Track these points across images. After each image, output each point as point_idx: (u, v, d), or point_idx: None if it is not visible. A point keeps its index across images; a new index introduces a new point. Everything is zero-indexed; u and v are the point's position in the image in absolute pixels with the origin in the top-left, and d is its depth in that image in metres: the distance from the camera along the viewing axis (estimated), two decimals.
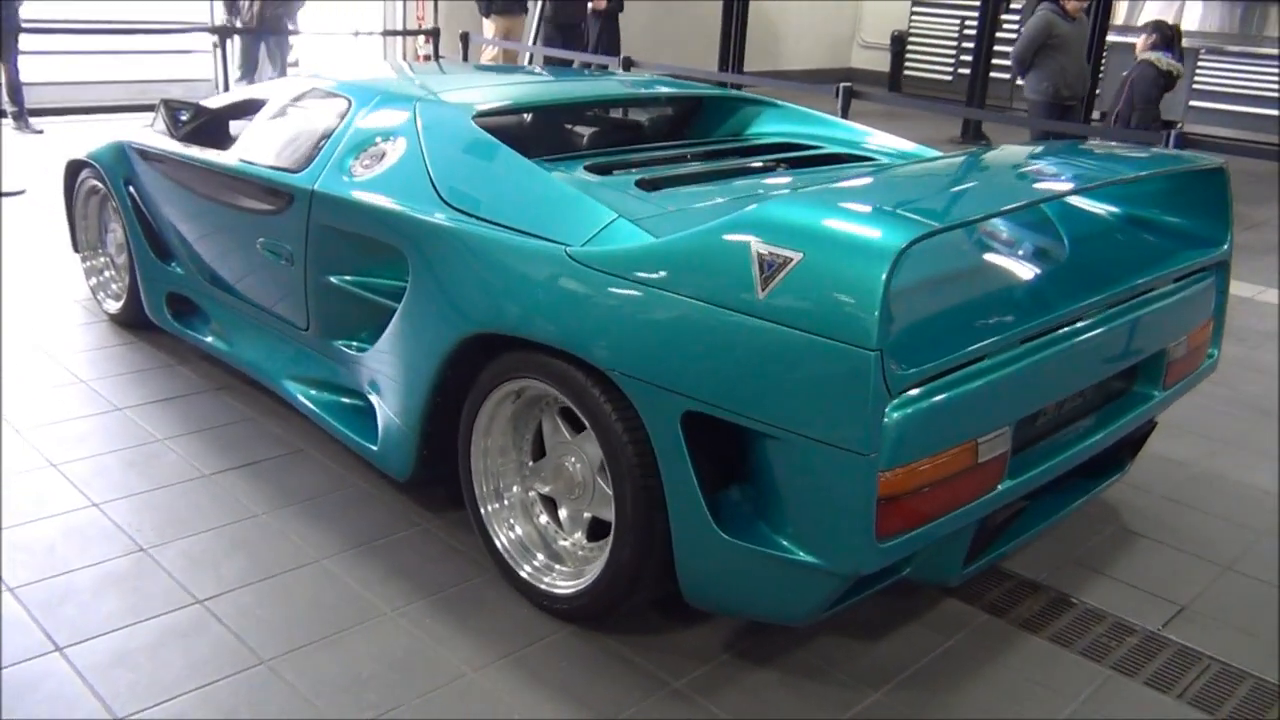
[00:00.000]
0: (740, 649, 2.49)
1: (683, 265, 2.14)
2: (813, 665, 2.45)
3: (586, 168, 2.92)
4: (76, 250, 4.52)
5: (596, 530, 2.58)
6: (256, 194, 3.27)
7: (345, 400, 3.23)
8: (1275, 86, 11.31)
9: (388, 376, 2.87)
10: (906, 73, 14.48)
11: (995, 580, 2.82)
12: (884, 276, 1.89)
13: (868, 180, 2.39)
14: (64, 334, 4.24)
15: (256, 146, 3.42)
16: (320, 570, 2.72)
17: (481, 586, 2.68)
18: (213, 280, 3.69)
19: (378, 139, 3.01)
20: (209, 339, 3.80)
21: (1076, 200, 3.02)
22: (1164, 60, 6.68)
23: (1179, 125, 7.07)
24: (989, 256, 2.66)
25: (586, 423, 2.35)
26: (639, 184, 2.79)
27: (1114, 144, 3.48)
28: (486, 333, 2.51)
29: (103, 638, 2.41)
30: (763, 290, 2.01)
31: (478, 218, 2.59)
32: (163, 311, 3.97)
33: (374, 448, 2.96)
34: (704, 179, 2.93)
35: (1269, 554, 3.06)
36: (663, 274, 2.16)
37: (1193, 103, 11.36)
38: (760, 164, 3.19)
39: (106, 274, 4.41)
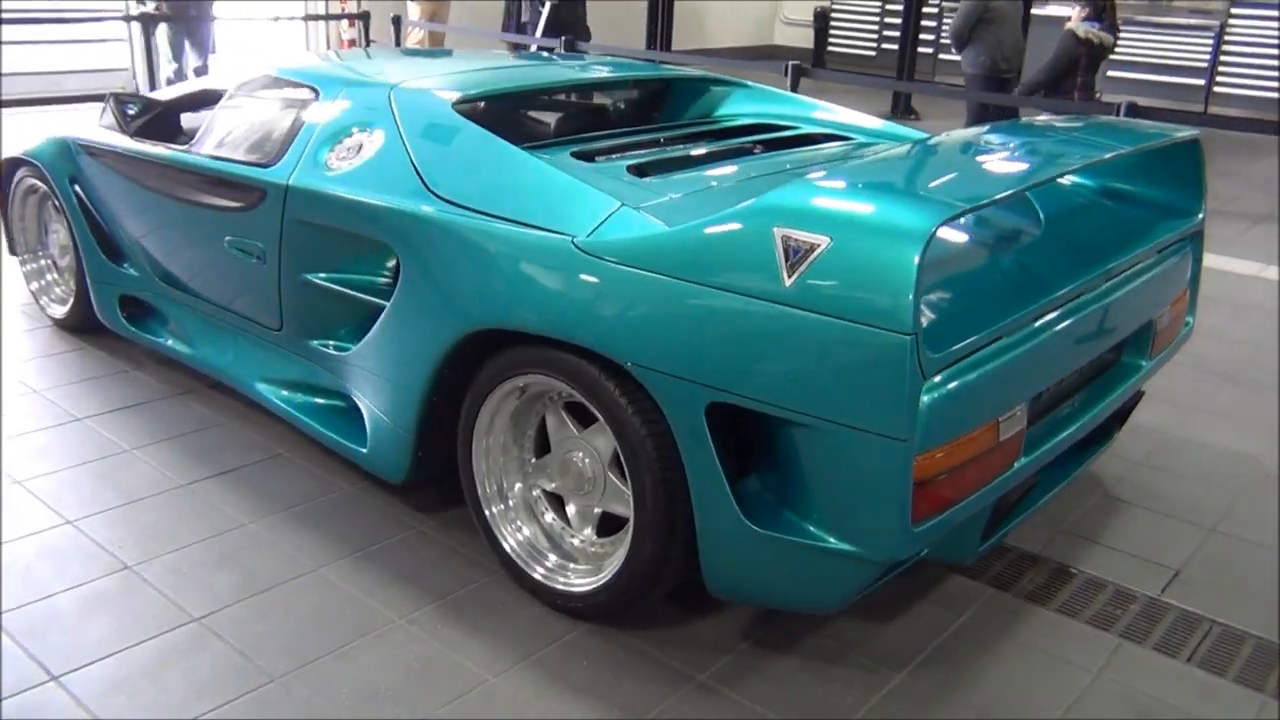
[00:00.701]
0: (757, 637, 2.47)
1: (703, 254, 2.09)
2: (832, 649, 2.44)
3: (573, 154, 2.85)
4: (14, 253, 4.30)
5: (606, 525, 2.53)
6: (223, 190, 3.14)
7: (325, 402, 3.12)
8: (1188, 55, 11.64)
9: (378, 376, 2.77)
10: (831, 49, 14.55)
11: (996, 554, 2.84)
12: (917, 259, 1.87)
13: (876, 163, 2.37)
14: (8, 341, 4.03)
15: (220, 140, 3.28)
16: (318, 580, 2.63)
17: (488, 588, 2.62)
18: (173, 281, 3.54)
19: (354, 130, 2.90)
20: (169, 342, 3.65)
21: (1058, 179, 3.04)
22: (1084, 30, 6.77)
23: (1097, 95, 7.20)
24: (990, 238, 2.66)
25: (600, 417, 2.30)
26: (631, 170, 2.73)
27: (1094, 118, 3.50)
28: (488, 329, 2.43)
29: (99, 663, 2.30)
30: (789, 277, 1.98)
31: (473, 210, 2.51)
32: (116, 315, 3.80)
33: (363, 450, 2.87)
34: (694, 163, 2.89)
35: (1249, 514, 3.14)
36: (682, 263, 2.11)
37: (1111, 73, 11.61)
38: (744, 146, 3.16)
39: (49, 277, 4.21)
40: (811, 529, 2.10)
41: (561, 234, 2.33)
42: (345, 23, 10.15)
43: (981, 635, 2.52)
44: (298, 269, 2.98)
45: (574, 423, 2.49)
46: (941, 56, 13.28)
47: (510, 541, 2.59)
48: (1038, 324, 2.28)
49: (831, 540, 2.07)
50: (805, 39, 14.85)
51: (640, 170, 2.74)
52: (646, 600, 2.40)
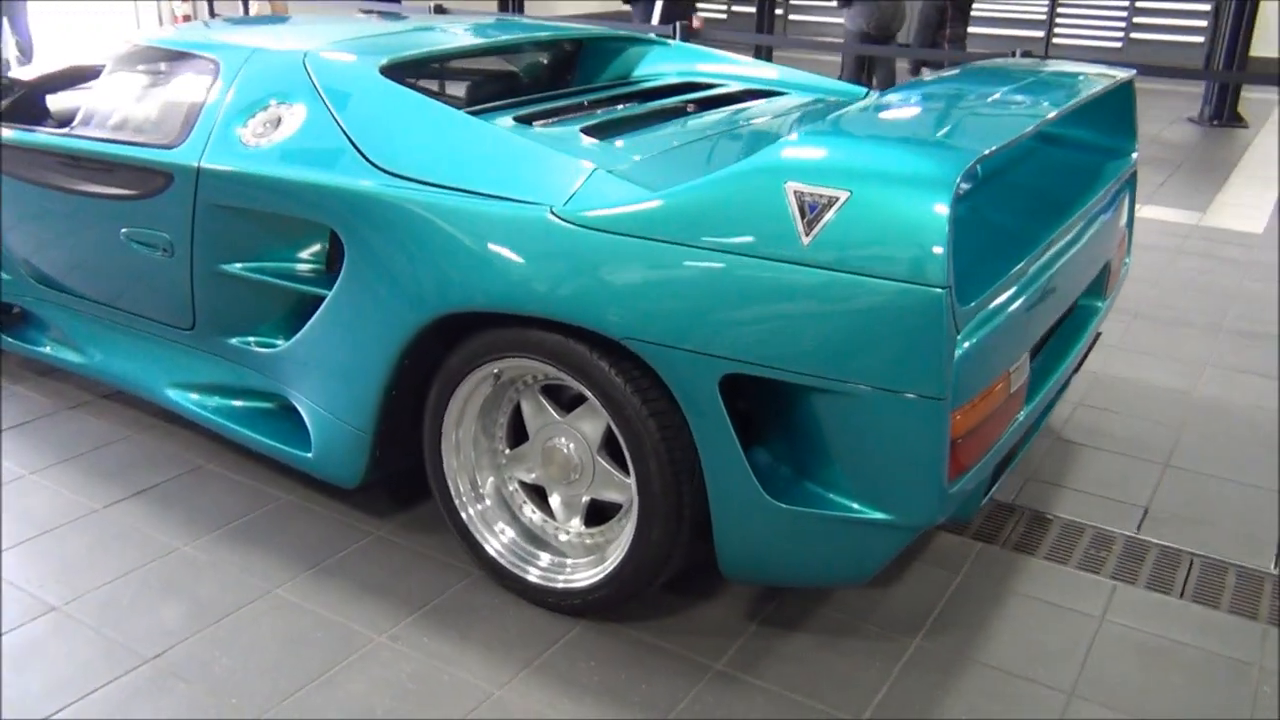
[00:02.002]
0: (764, 617, 2.36)
1: (707, 217, 1.94)
2: (843, 622, 2.35)
3: (516, 119, 2.65)
4: None
5: (593, 514, 2.37)
6: (118, 177, 2.80)
7: (252, 404, 2.84)
8: (1028, 8, 12.07)
9: (323, 372, 2.52)
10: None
11: None
12: (946, 209, 1.77)
13: (864, 114, 2.26)
14: None
15: (107, 121, 2.93)
16: (277, 602, 2.38)
17: (468, 592, 2.42)
18: (54, 283, 3.17)
19: (271, 102, 2.61)
20: (52, 351, 3.27)
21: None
22: None
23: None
24: (978, 188, 2.59)
25: (595, 399, 2.13)
26: (585, 131, 2.55)
27: (1037, 62, 3.47)
28: (458, 312, 2.22)
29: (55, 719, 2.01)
30: (807, 235, 1.85)
31: (428, 184, 2.28)
32: None
33: (307, 455, 2.61)
34: (646, 123, 2.72)
35: (1196, 447, 3.20)
36: (684, 228, 1.95)
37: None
38: (688, 104, 3.01)
39: None
40: (839, 500, 1.99)
41: (534, 203, 2.14)
42: None
43: (982, 591, 2.47)
44: (213, 260, 2.68)
45: (555, 407, 2.31)
46: (791, 18, 13.44)
47: (495, 544, 2.40)
48: (1031, 272, 2.23)
49: (864, 510, 1.96)
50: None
51: (595, 132, 2.56)
52: (652, 588, 2.25)
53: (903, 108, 2.36)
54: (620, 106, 2.98)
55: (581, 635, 2.28)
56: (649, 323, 1.98)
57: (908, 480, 1.91)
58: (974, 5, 6.86)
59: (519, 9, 11.36)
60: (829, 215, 1.84)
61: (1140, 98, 3.05)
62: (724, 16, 14.20)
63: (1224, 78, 8.28)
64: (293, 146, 2.51)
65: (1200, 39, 11.15)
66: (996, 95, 2.42)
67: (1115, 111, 2.99)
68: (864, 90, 3.42)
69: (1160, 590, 2.50)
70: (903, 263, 1.78)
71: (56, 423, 3.17)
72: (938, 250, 1.76)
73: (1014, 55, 4.80)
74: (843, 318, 1.84)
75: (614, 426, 2.13)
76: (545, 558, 2.36)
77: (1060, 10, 12.14)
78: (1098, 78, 2.73)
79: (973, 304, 1.90)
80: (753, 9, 12.31)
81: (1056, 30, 12.22)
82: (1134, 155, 3.01)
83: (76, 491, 2.80)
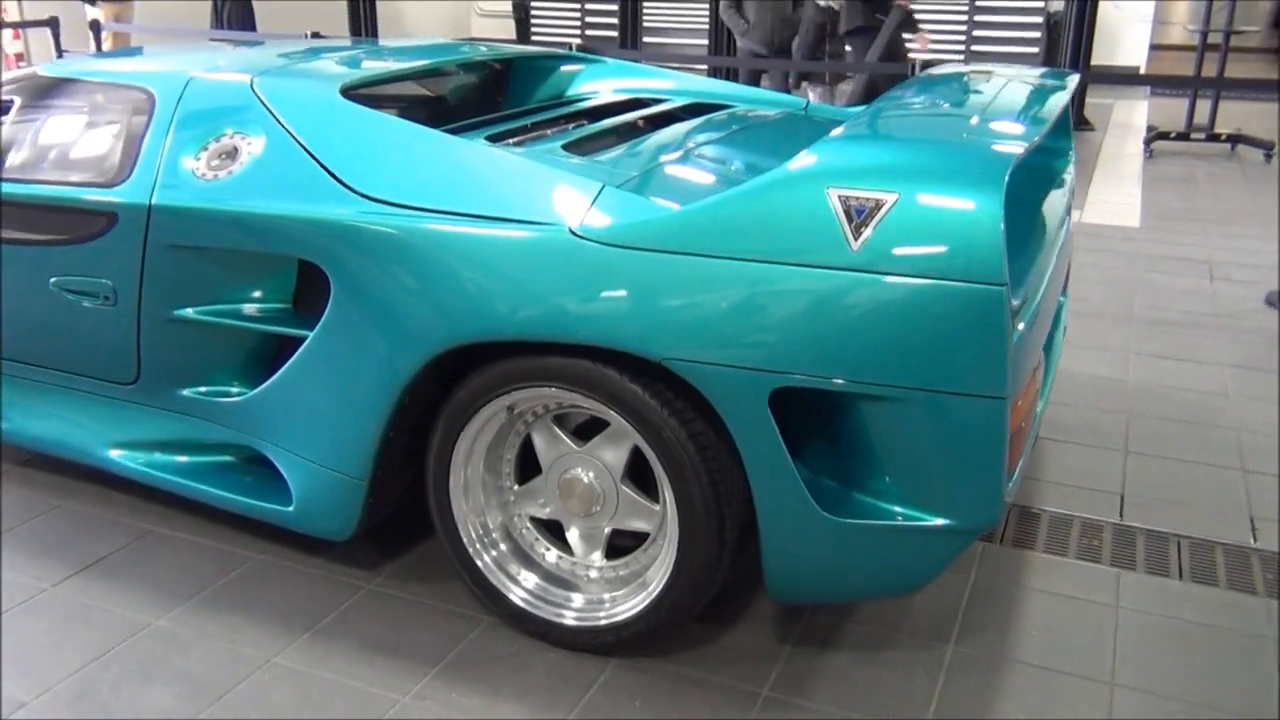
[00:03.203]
0: (796, 637, 2.29)
1: (746, 228, 1.88)
2: (874, 634, 2.31)
3: (488, 139, 2.53)
4: None
5: (613, 546, 2.27)
6: (48, 221, 2.54)
7: (209, 459, 2.61)
8: None
9: (307, 419, 2.33)
10: (535, 38, 14.45)
11: None
12: (1001, 205, 1.76)
13: (884, 116, 2.24)
14: None
15: (27, 161, 2.65)
16: (278, 672, 2.18)
17: (484, 641, 2.27)
18: None
19: (227, 131, 2.41)
20: None
21: None
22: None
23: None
24: None
25: (629, 424, 2.02)
26: (566, 148, 2.46)
27: (989, 68, 3.53)
28: (469, 343, 2.09)
29: None
30: (856, 240, 1.81)
31: (423, 210, 2.14)
32: None
33: (287, 509, 2.41)
34: (620, 139, 2.64)
35: (1147, 433, 3.30)
36: (722, 241, 1.88)
37: None
38: (644, 119, 2.94)
39: None
40: (895, 509, 1.95)
41: (548, 224, 2.03)
42: (9, 34, 8.84)
43: (998, 590, 2.47)
44: (165, 305, 2.46)
45: (571, 437, 2.20)
46: (646, 39, 13.53)
47: (518, 592, 2.26)
48: (1037, 266, 2.25)
49: (921, 517, 1.92)
50: (503, 30, 14.68)
51: (577, 150, 2.47)
52: (692, 616, 2.16)
53: (914, 112, 2.35)
54: (572, 125, 2.90)
55: (617, 675, 2.17)
56: (691, 341, 1.90)
57: (968, 483, 1.89)
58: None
59: (373, 37, 11.13)
60: (878, 219, 1.80)
61: None
62: (578, 40, 14.23)
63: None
64: (257, 178, 2.32)
65: (1035, 50, 11.80)
66: (990, 99, 2.44)
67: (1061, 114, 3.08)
68: (802, 100, 3.43)
69: (1159, 573, 2.55)
70: (959, 262, 1.76)
71: None
72: (994, 248, 1.75)
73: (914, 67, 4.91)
74: (898, 322, 1.81)
75: (650, 451, 2.04)
76: (579, 598, 2.24)
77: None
78: (1054, 80, 2.80)
79: (1020, 299, 1.90)
80: (612, 34, 12.43)
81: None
82: (1072, 155, 3.10)
83: (17, 571, 2.51)
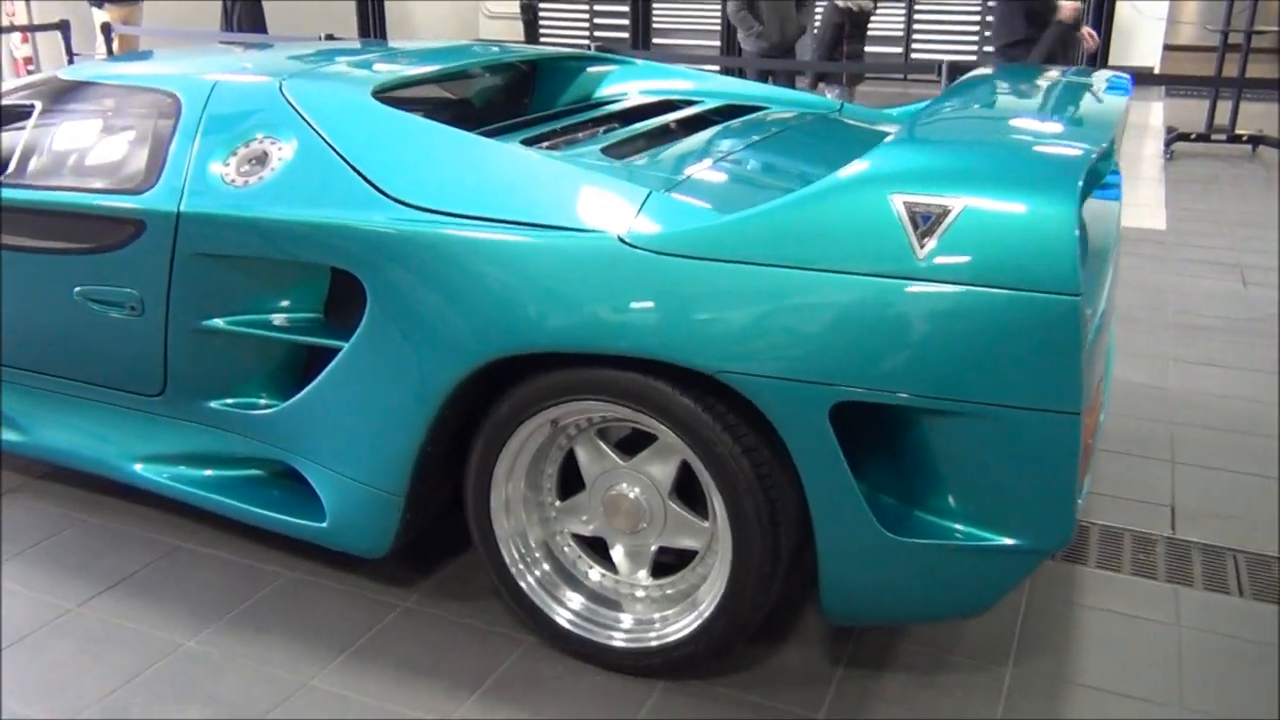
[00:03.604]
0: (848, 658, 2.22)
1: (805, 235, 1.80)
2: (928, 656, 2.23)
3: (522, 142, 2.46)
4: None
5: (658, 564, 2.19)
6: (73, 229, 2.46)
7: (237, 473, 2.54)
8: (887, 25, 12.44)
9: (341, 433, 2.25)
10: (544, 39, 14.38)
11: None
12: (1076, 212, 1.68)
13: (944, 120, 2.16)
14: None
15: (49, 168, 2.58)
16: (315, 695, 2.10)
17: (525, 662, 2.20)
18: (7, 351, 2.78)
19: (258, 136, 2.34)
20: None
21: None
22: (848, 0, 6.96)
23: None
24: None
25: (682, 439, 1.94)
26: (605, 152, 2.38)
27: (1051, 69, 3.43)
28: (513, 355, 2.01)
29: None
30: (922, 248, 1.73)
31: (465, 217, 2.06)
32: None
33: (321, 525, 2.34)
34: (658, 142, 2.56)
35: (1192, 442, 3.22)
36: (780, 249, 1.81)
37: None
38: (680, 123, 2.87)
39: None
40: (960, 528, 1.87)
41: (594, 231, 1.96)
42: (18, 38, 8.78)
43: (1052, 608, 2.39)
44: (193, 315, 2.38)
45: (616, 452, 2.13)
46: (670, 41, 13.49)
47: (564, 614, 2.18)
48: (1099, 273, 2.18)
49: (989, 537, 1.85)
50: (511, 32, 14.61)
51: (615, 153, 2.39)
52: (742, 640, 2.08)
53: (972, 114, 2.27)
54: (604, 129, 2.82)
55: (665, 698, 2.09)
56: (747, 353, 1.83)
57: (1039, 501, 1.81)
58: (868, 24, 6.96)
59: (381, 33, 11.07)
60: (945, 225, 1.72)
61: None
62: (587, 45, 14.16)
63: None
64: (287, 184, 2.25)
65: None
66: (1049, 100, 2.36)
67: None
68: (835, 102, 3.36)
69: (1218, 590, 2.47)
70: (1033, 271, 1.68)
71: None
72: (1069, 256, 1.67)
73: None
74: (966, 334, 1.73)
75: (701, 467, 1.96)
76: (627, 618, 2.16)
77: (915, 25, 12.57)
78: (1108, 80, 2.72)
79: (1089, 309, 1.82)
80: (621, 35, 12.37)
81: (914, 44, 12.63)
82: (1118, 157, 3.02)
83: (41, 590, 2.44)
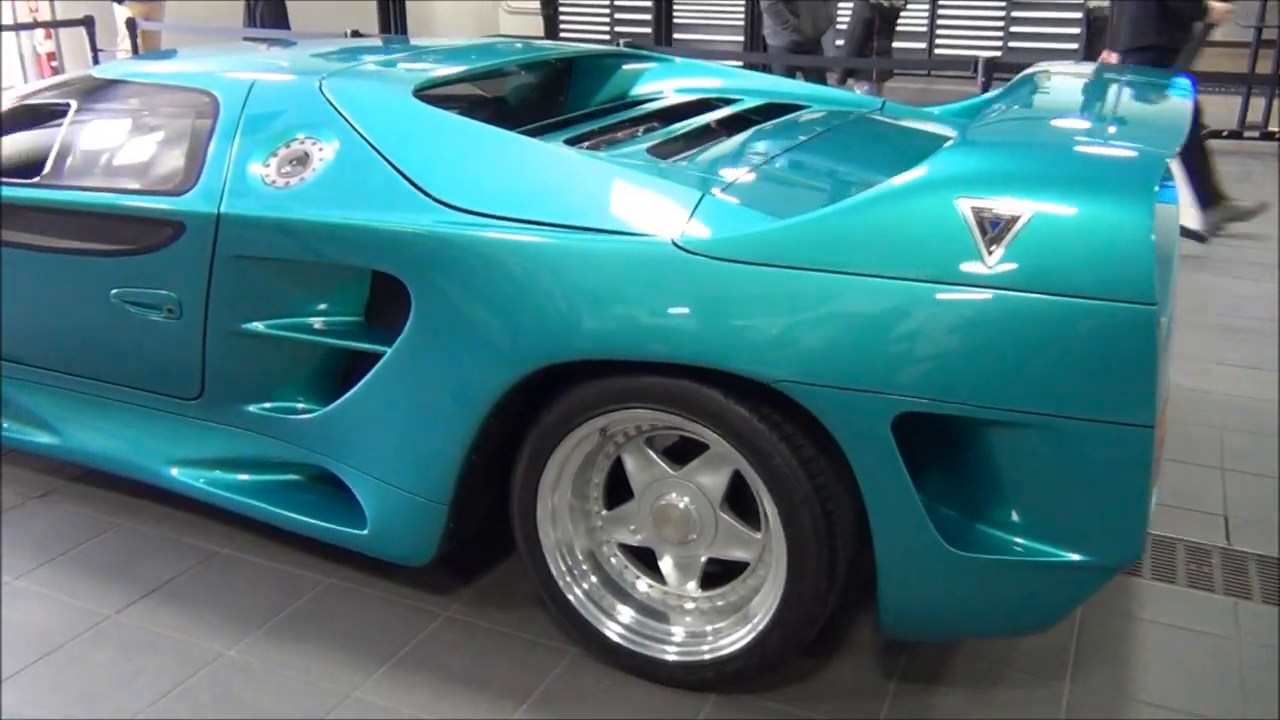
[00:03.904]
0: (901, 672, 2.16)
1: (868, 241, 1.75)
2: (983, 670, 2.17)
3: (566, 142, 2.41)
4: None
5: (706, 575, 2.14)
6: (110, 230, 2.43)
7: (274, 478, 2.51)
8: (911, 22, 12.34)
9: (384, 439, 2.21)
10: (564, 33, 14.34)
11: None
12: (1151, 218, 1.62)
13: (1008, 121, 2.10)
14: None
15: (85, 168, 2.55)
16: (360, 707, 2.06)
17: (571, 674, 2.15)
18: (14, 356, 2.75)
19: (299, 136, 2.30)
20: (8, 431, 2.84)
21: None
22: None
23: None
24: None
25: (737, 450, 1.89)
26: (651, 152, 2.33)
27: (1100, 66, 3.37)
28: (563, 362, 1.97)
29: None
30: (990, 255, 1.67)
31: (512, 220, 2.02)
32: None
33: (361, 533, 2.30)
34: (703, 142, 2.51)
35: (1241, 449, 3.15)
36: (840, 255, 1.75)
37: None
38: (724, 122, 2.81)
39: None
40: (1025, 543, 1.81)
41: (647, 235, 1.91)
42: (41, 34, 8.79)
43: (1108, 621, 2.33)
44: (232, 318, 2.35)
45: (666, 461, 2.08)
46: (692, 36, 13.41)
47: (614, 627, 2.13)
48: (1169, 280, 2.11)
49: (1055, 552, 1.79)
50: (531, 27, 14.57)
51: (660, 154, 2.34)
52: (796, 655, 2.04)
53: (1036, 115, 2.21)
54: (643, 129, 2.77)
55: (717, 712, 2.05)
56: (806, 362, 1.77)
57: (1109, 516, 1.75)
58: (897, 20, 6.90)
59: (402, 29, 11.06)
60: (1014, 232, 1.67)
61: None
62: (608, 39, 14.10)
63: None
64: (328, 185, 2.21)
65: (1074, 45, 11.60)
66: (1112, 102, 2.30)
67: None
68: (879, 101, 3.29)
69: (1277, 603, 2.41)
70: (1107, 279, 1.62)
71: (27, 516, 2.75)
72: (1145, 263, 1.61)
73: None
74: (1037, 343, 1.67)
75: (756, 478, 1.91)
76: (679, 631, 2.11)
77: (939, 20, 12.45)
78: (1168, 81, 2.65)
79: (1163, 317, 1.76)
80: (643, 30, 12.32)
81: (938, 40, 12.52)
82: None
83: (78, 596, 2.41)
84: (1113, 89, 2.39)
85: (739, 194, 2.05)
